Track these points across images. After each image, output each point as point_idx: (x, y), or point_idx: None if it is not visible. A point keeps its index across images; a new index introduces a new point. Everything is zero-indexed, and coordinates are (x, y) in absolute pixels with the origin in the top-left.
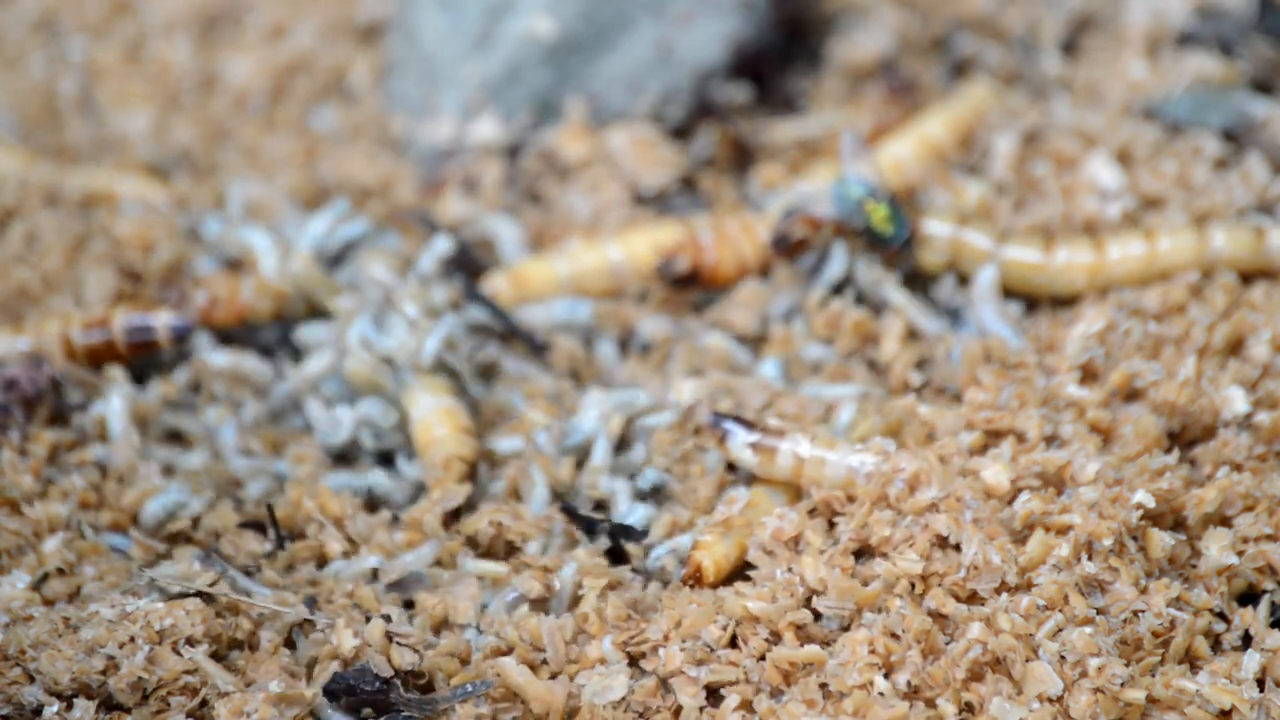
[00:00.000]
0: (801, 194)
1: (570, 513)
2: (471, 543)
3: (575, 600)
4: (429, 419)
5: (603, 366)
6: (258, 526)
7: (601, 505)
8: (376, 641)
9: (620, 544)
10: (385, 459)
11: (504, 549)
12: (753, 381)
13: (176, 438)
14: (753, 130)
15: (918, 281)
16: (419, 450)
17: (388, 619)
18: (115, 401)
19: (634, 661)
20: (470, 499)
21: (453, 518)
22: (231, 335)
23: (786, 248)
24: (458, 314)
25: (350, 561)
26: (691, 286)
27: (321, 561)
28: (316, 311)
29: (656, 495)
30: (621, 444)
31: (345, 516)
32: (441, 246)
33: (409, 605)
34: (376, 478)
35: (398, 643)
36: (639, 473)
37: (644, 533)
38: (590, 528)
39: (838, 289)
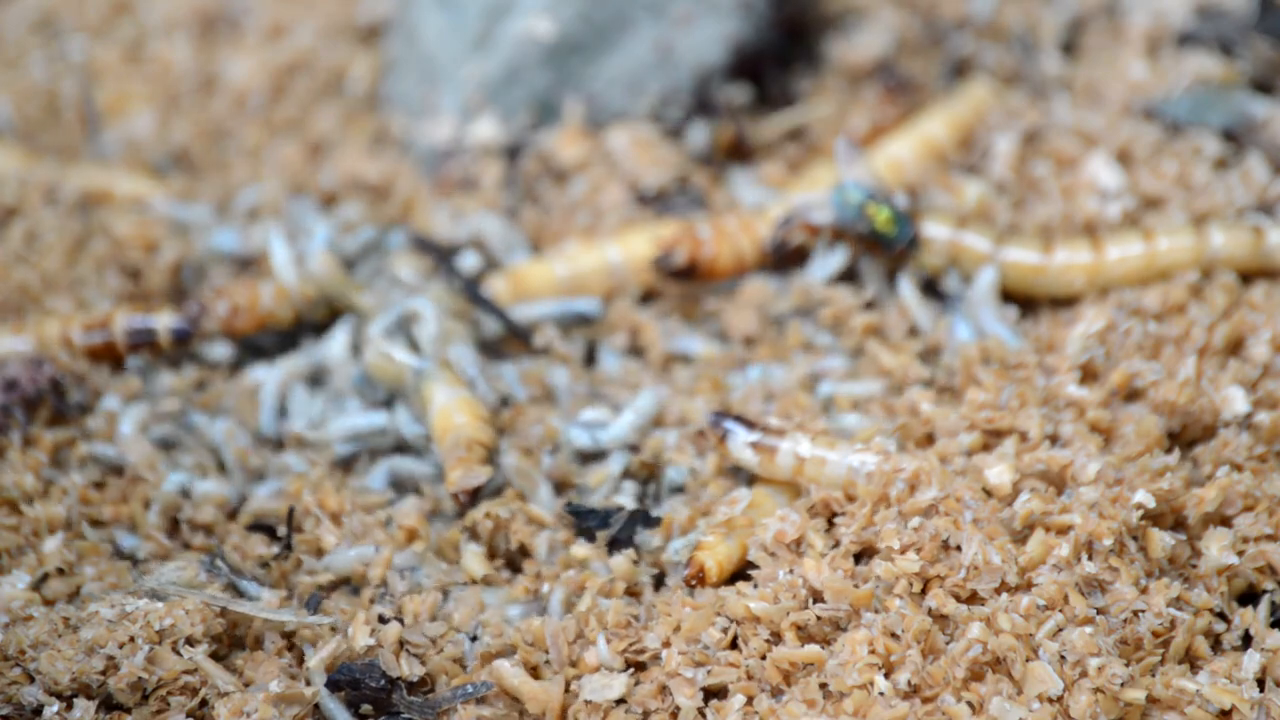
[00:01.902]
0: (799, 201)
1: (576, 512)
2: (473, 534)
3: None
4: (449, 407)
5: (602, 370)
6: (265, 529)
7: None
8: (390, 643)
9: (632, 537)
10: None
11: (505, 549)
12: (755, 384)
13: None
14: (752, 130)
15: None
16: (437, 437)
17: (403, 622)
18: (125, 400)
19: (635, 668)
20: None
21: (473, 498)
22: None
23: (784, 254)
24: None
25: (342, 553)
26: (689, 280)
27: (320, 557)
28: (337, 313)
29: (679, 493)
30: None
31: (343, 512)
32: (470, 264)
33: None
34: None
35: (409, 651)
36: (666, 466)
37: (659, 520)
38: (605, 519)
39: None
